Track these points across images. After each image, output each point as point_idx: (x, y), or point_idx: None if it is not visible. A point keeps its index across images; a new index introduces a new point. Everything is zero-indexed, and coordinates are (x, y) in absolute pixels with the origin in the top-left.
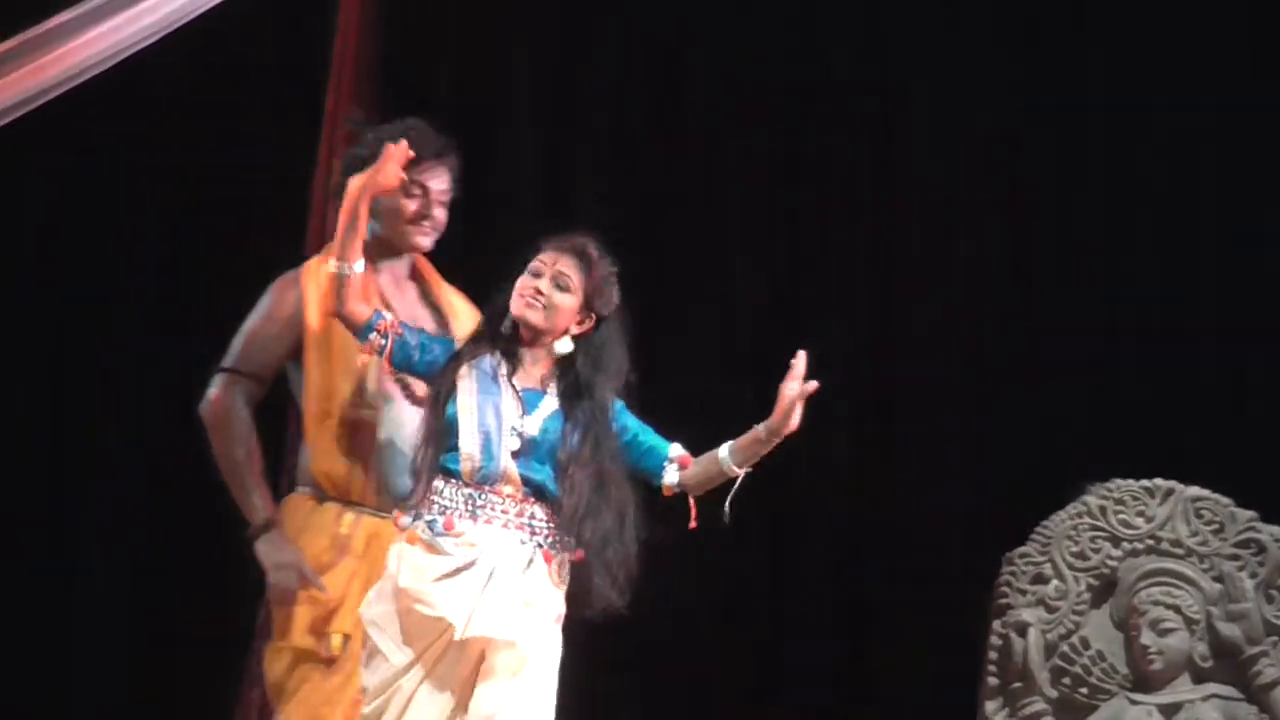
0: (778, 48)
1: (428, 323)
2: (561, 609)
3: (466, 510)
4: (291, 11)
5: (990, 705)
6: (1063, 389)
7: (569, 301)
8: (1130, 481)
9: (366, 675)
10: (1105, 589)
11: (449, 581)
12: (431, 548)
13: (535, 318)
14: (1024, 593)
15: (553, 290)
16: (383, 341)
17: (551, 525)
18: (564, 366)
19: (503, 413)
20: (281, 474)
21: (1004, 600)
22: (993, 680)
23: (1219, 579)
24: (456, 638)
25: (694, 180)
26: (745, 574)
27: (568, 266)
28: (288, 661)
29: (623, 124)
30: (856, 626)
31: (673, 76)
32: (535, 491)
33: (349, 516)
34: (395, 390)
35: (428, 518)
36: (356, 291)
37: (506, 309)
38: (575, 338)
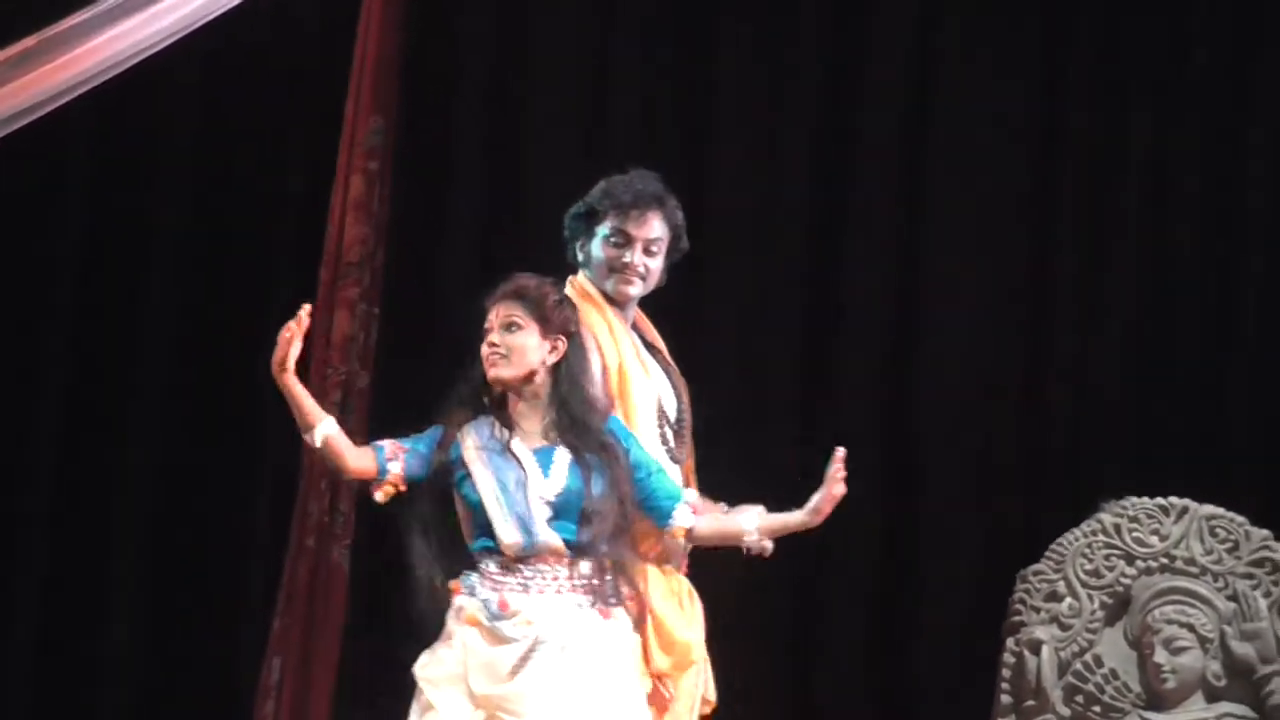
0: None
1: (653, 367)
2: (634, 649)
3: (519, 585)
4: (311, 21)
5: None
6: (1080, 405)
7: (526, 339)
8: (1145, 499)
9: None
10: (1119, 607)
11: (524, 674)
12: (494, 635)
13: (505, 371)
14: (1038, 610)
15: (505, 337)
16: (395, 483)
17: (604, 577)
18: (557, 408)
19: (526, 485)
20: None
21: (1018, 618)
22: (1005, 698)
23: (1233, 598)
24: None
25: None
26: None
27: (509, 309)
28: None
29: (653, 133)
30: (879, 643)
31: (703, 101)
32: (578, 550)
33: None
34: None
35: (483, 596)
36: (341, 450)
37: (482, 378)
38: (554, 368)
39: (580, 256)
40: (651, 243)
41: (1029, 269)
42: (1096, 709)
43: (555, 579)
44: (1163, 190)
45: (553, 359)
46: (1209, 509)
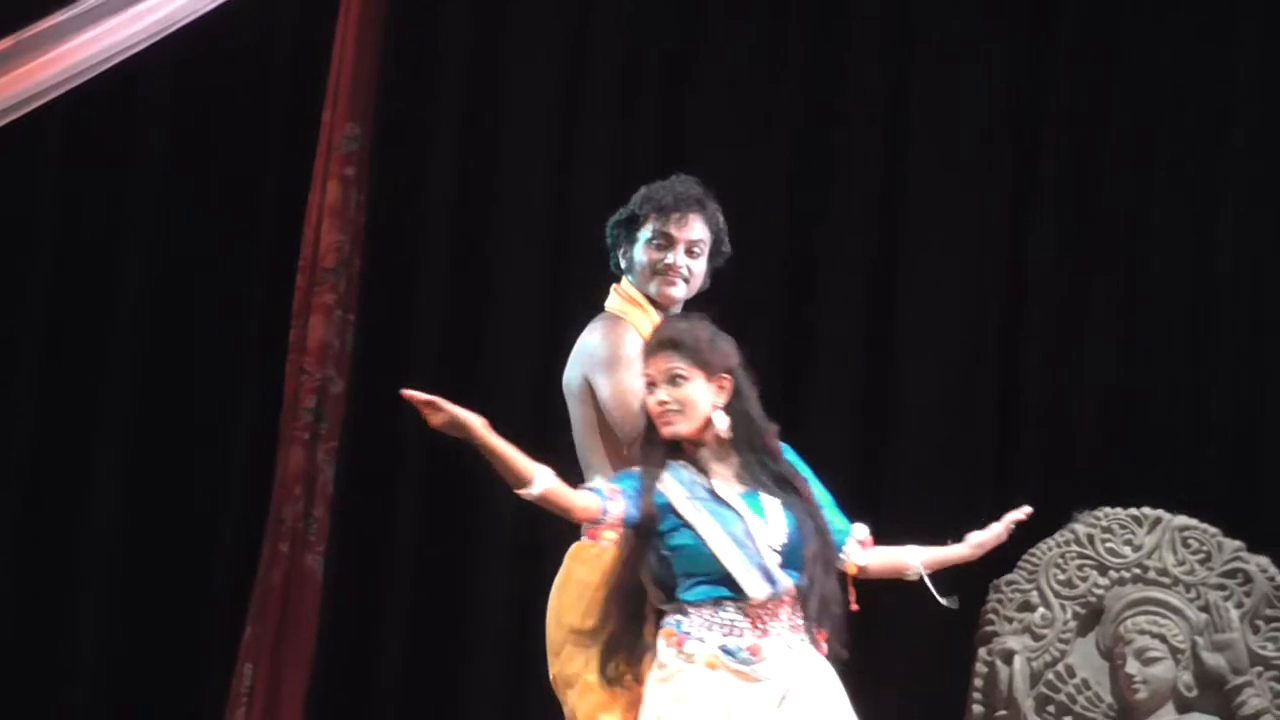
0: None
1: None
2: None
3: (756, 630)
4: (289, 27)
5: None
6: (1053, 415)
7: (694, 391)
8: (1118, 510)
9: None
10: (1092, 617)
11: (789, 704)
12: (743, 675)
13: (683, 427)
14: (1010, 620)
15: (673, 392)
16: (615, 526)
17: (803, 621)
18: (743, 450)
19: (753, 534)
20: None
21: (990, 628)
22: (978, 708)
23: (1205, 608)
24: None
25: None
26: None
27: (669, 361)
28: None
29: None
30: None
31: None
32: (798, 594)
33: None
34: None
35: (720, 643)
36: (561, 497)
37: (657, 435)
38: (728, 408)
39: (623, 263)
40: (694, 244)
41: (1008, 282)
42: (1068, 719)
43: (779, 619)
44: (1144, 202)
45: (722, 400)
46: (1182, 520)
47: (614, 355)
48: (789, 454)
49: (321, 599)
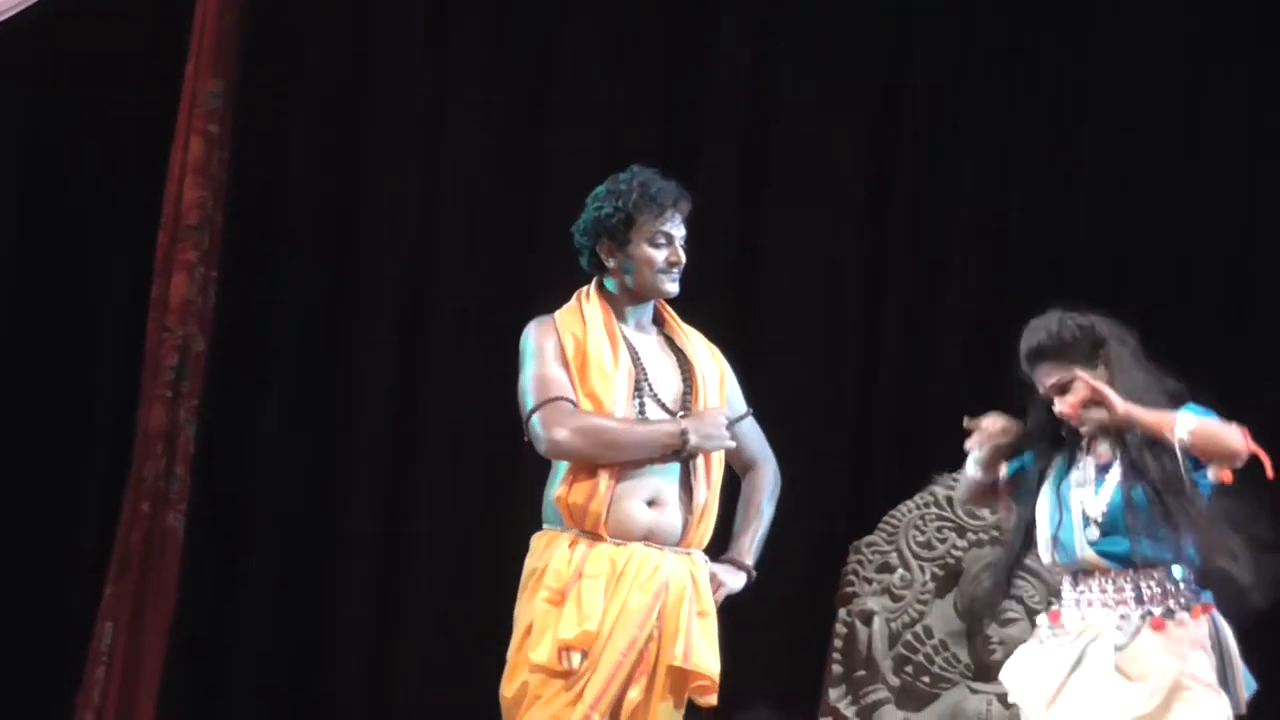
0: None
1: (669, 366)
2: (1196, 668)
3: (1070, 599)
4: None
5: (834, 692)
6: (914, 377)
7: (1079, 391)
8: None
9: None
10: (950, 579)
11: (1065, 694)
12: (1047, 645)
13: (1088, 429)
14: (870, 581)
15: (1067, 400)
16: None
17: (1169, 587)
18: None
19: (1073, 503)
20: None
21: (850, 589)
22: (837, 668)
23: None
24: None
25: None
26: None
27: (1050, 373)
28: (522, 678)
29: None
30: None
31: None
32: (1126, 564)
33: (582, 544)
34: None
35: (1040, 617)
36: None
37: (1056, 424)
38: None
39: (610, 262)
40: (684, 240)
41: (868, 248)
42: (926, 679)
43: (1103, 591)
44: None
45: (1104, 379)
46: None
47: (527, 351)
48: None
49: (182, 557)
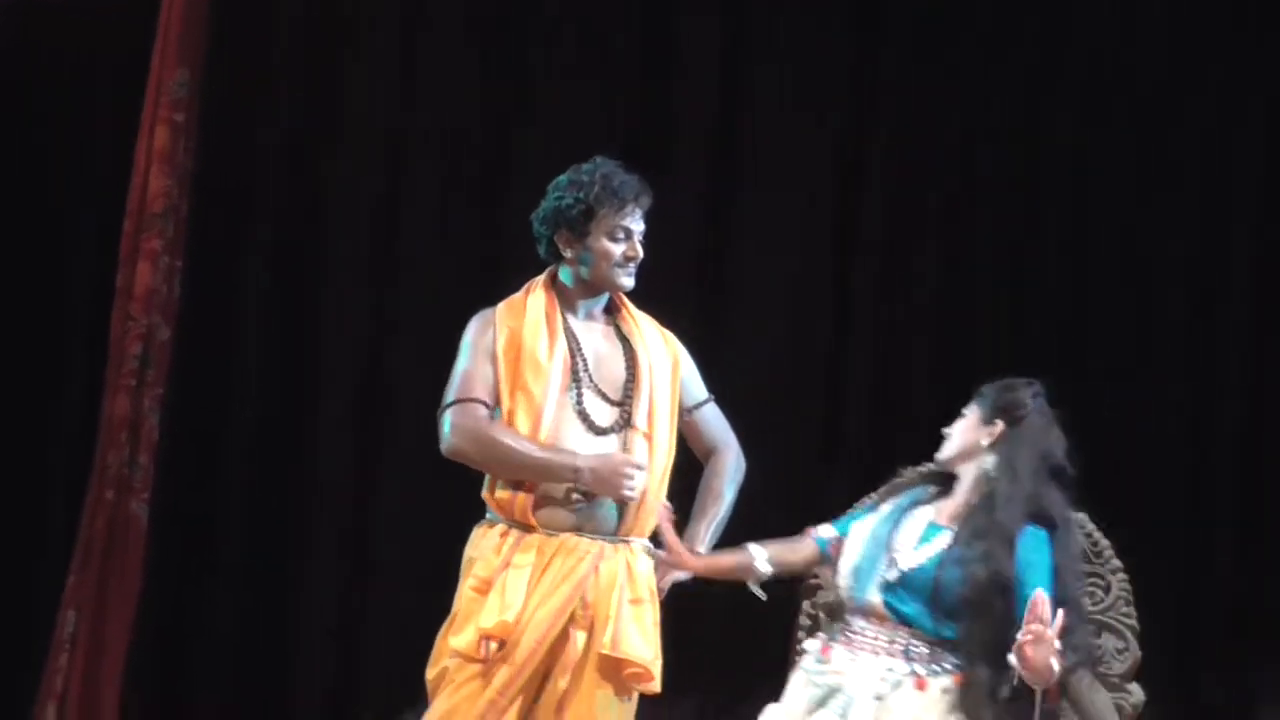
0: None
1: (614, 355)
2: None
3: (844, 637)
4: None
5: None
6: (880, 374)
7: (965, 422)
8: (933, 466)
9: None
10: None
11: (817, 715)
12: (805, 677)
13: (941, 452)
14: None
15: (950, 424)
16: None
17: (932, 651)
18: (983, 493)
19: (890, 544)
20: None
21: (814, 581)
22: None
23: None
24: None
25: None
26: None
27: (969, 406)
28: (443, 662)
29: (459, 90)
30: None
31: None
32: (904, 621)
33: (513, 535)
34: (573, 425)
35: (811, 642)
36: (785, 557)
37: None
38: (990, 449)
39: (568, 252)
40: (642, 235)
41: (832, 249)
42: None
43: (876, 638)
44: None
45: (988, 441)
46: None
47: (462, 346)
48: (1034, 539)
49: (146, 546)
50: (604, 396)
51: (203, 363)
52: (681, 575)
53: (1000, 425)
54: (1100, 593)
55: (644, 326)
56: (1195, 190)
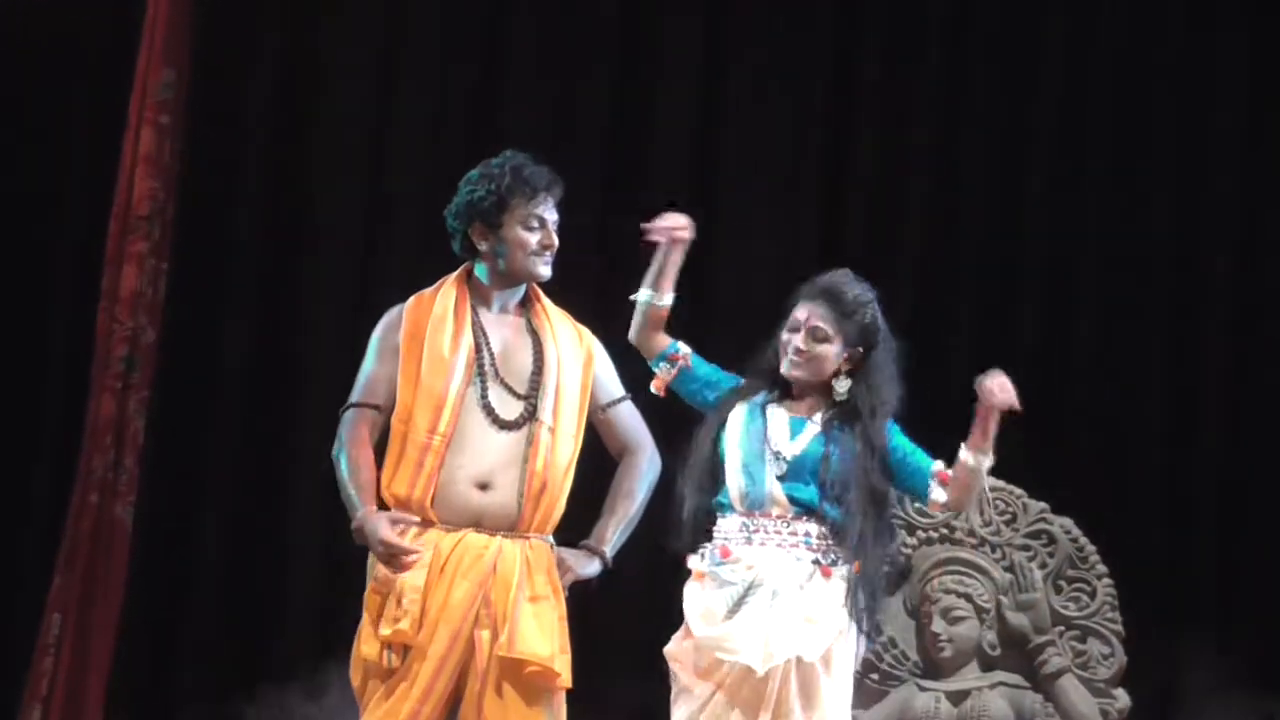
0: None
1: (524, 350)
2: (844, 623)
3: (741, 536)
4: None
5: None
6: None
7: (829, 350)
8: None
9: (676, 712)
10: (900, 577)
11: (738, 616)
12: (715, 579)
13: (801, 373)
14: None
15: (811, 344)
16: (671, 371)
17: (827, 541)
18: (840, 404)
19: (767, 438)
20: None
21: None
22: None
23: (1010, 569)
24: (760, 673)
25: None
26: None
27: (820, 318)
28: (361, 669)
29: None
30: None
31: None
32: (805, 510)
33: (411, 532)
34: (477, 419)
35: (706, 549)
36: (659, 322)
37: (775, 365)
38: (849, 373)
39: (482, 245)
40: (556, 224)
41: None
42: (874, 676)
43: (778, 533)
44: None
45: (848, 368)
46: (988, 481)
47: (370, 344)
48: (893, 431)
49: (131, 549)
50: (510, 390)
51: (188, 365)
52: (587, 573)
53: (859, 351)
54: (1086, 598)
55: (556, 321)
56: (1175, 181)
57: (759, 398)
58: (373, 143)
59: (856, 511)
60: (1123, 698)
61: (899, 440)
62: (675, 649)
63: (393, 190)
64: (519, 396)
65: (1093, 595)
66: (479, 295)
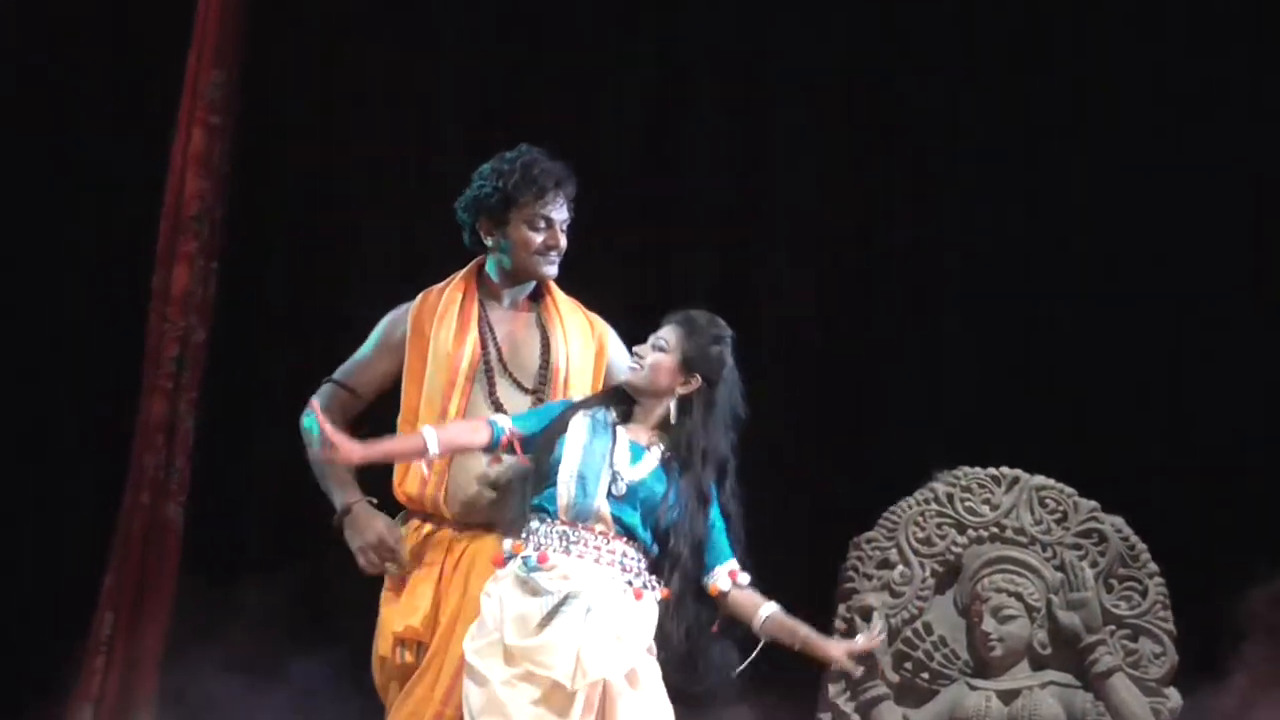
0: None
1: (533, 345)
2: (649, 641)
3: (560, 546)
4: None
5: (833, 688)
6: (912, 377)
7: (664, 360)
8: (977, 469)
9: (472, 697)
10: (950, 575)
11: (552, 627)
12: (528, 585)
13: (634, 378)
14: (870, 577)
15: (650, 351)
16: (508, 450)
17: (640, 565)
18: (673, 435)
19: (609, 456)
20: None
21: (850, 584)
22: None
23: (1060, 567)
24: (571, 689)
25: None
26: None
27: (668, 331)
28: (380, 669)
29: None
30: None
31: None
32: (626, 532)
33: (425, 530)
34: (484, 415)
35: (524, 555)
36: (458, 439)
37: (618, 380)
38: (681, 399)
39: (489, 241)
40: (565, 224)
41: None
42: (925, 675)
43: (596, 549)
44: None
45: (681, 391)
46: (1039, 479)
47: (374, 331)
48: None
49: (181, 548)
50: (518, 384)
51: (238, 365)
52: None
53: (698, 380)
54: (1137, 597)
55: (566, 313)
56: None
57: (602, 415)
58: (423, 140)
59: (676, 553)
60: (1174, 697)
61: (714, 510)
62: (478, 646)
63: (437, 189)
64: (527, 391)
65: (1144, 594)
66: (489, 290)
